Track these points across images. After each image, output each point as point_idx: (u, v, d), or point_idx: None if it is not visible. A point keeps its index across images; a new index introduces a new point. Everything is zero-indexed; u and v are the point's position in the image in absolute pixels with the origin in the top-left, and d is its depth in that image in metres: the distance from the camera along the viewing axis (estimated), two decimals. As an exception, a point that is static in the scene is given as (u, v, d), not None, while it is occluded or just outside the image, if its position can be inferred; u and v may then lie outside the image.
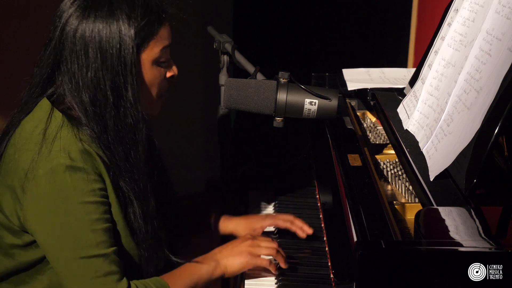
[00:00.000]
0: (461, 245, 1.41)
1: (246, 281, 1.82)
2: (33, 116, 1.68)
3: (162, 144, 1.87)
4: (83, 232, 1.60)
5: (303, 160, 2.36)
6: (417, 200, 1.69)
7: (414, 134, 1.89)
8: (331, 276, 1.72)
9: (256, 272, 1.85)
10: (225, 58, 2.21)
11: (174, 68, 1.76)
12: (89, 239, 1.60)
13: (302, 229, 1.99)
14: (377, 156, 1.97)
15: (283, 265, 1.80)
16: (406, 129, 1.94)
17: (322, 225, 1.97)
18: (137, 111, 1.64)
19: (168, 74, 1.74)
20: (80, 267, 1.61)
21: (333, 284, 1.68)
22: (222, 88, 2.15)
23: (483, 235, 1.49)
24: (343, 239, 1.53)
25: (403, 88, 2.22)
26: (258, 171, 2.39)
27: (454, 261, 1.39)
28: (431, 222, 1.54)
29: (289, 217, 2.02)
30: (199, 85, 4.20)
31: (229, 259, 1.78)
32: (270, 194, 2.30)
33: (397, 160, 1.92)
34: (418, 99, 1.95)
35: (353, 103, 2.34)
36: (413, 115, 1.94)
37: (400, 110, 2.06)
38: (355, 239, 1.44)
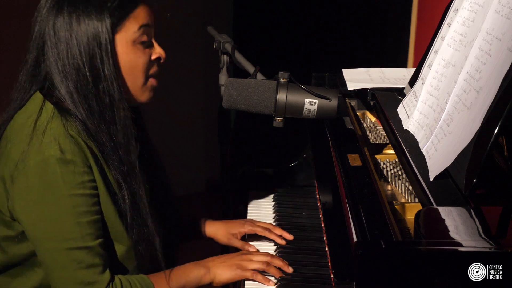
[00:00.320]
0: (461, 245, 1.40)
1: (246, 281, 1.82)
2: (25, 109, 1.69)
3: (162, 144, 1.87)
4: (69, 224, 1.61)
5: (303, 160, 2.36)
6: (417, 200, 1.69)
7: (414, 134, 1.88)
8: (331, 276, 1.72)
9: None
10: (225, 58, 2.21)
11: (159, 50, 1.75)
12: (74, 231, 1.61)
13: (282, 235, 1.98)
14: (377, 156, 1.97)
15: (276, 275, 1.80)
16: (406, 129, 1.94)
17: (322, 225, 1.97)
18: (116, 89, 1.66)
19: (154, 56, 1.74)
20: (63, 258, 1.62)
21: (333, 284, 1.68)
22: (222, 88, 2.15)
23: (483, 235, 1.49)
24: (343, 239, 1.53)
25: (403, 88, 2.22)
26: (258, 171, 2.39)
27: (454, 261, 1.38)
28: (431, 222, 1.54)
29: (268, 225, 2.02)
30: (199, 85, 4.21)
31: (220, 269, 1.79)
32: (270, 194, 2.30)
33: (397, 160, 1.92)
34: (418, 99, 1.95)
35: (353, 103, 2.34)
36: (413, 115, 1.94)
37: (400, 110, 2.05)
38: (355, 239, 1.44)
